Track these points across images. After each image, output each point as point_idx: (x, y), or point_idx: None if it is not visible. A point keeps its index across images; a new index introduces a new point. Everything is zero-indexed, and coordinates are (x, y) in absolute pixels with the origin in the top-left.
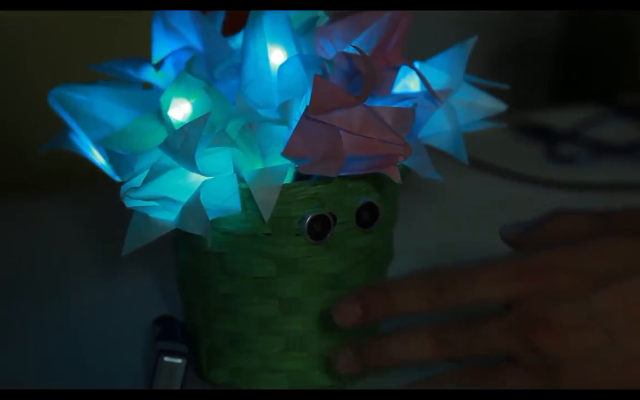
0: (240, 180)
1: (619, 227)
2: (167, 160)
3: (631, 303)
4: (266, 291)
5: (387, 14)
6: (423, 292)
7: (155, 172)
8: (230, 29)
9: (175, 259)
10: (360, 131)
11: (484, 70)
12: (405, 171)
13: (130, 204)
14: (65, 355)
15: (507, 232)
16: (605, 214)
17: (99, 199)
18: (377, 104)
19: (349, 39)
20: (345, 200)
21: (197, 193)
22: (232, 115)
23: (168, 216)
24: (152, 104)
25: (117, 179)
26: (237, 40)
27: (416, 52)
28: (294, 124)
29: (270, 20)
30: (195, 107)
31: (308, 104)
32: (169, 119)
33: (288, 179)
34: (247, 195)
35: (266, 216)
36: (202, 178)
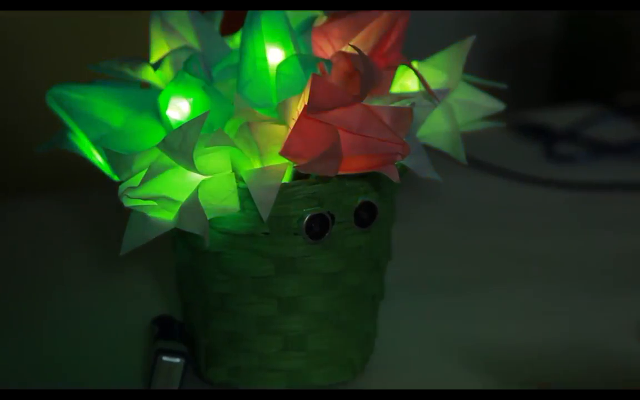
0: (239, 179)
1: None
2: (165, 159)
3: None
4: (264, 291)
5: (385, 14)
6: None
7: (153, 172)
8: (229, 28)
9: (173, 259)
10: (358, 130)
11: (482, 69)
12: (403, 170)
13: (128, 203)
14: (63, 355)
15: None
16: None
17: (97, 199)
18: (376, 103)
19: (347, 39)
20: (344, 200)
21: (196, 192)
22: (230, 114)
23: (166, 216)
24: (150, 103)
25: (115, 178)
26: (235, 40)
27: (415, 51)
28: (292, 124)
29: (268, 19)
30: (193, 107)
31: (306, 103)
32: (167, 118)
33: (286, 178)
34: (245, 195)
35: (264, 215)
36: (201, 177)
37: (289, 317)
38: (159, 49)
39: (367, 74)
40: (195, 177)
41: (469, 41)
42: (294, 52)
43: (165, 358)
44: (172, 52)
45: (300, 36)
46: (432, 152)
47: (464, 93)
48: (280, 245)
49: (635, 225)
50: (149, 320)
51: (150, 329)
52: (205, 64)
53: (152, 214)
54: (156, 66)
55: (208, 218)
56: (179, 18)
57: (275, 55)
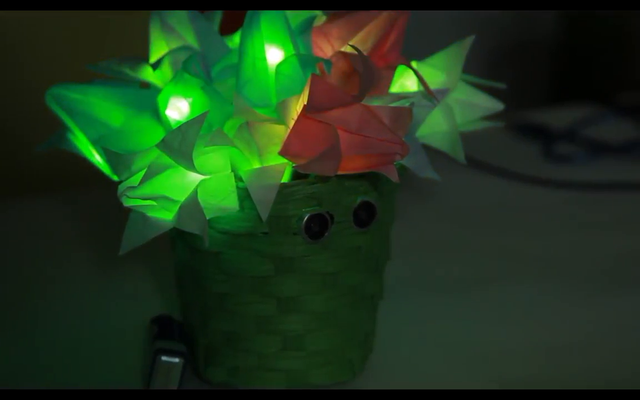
0: (238, 179)
1: None
2: (165, 159)
3: None
4: (264, 290)
5: (385, 14)
6: None
7: (152, 171)
8: (228, 28)
9: (172, 258)
10: (357, 130)
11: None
12: (402, 170)
13: (127, 203)
14: (61, 355)
15: None
16: None
17: (96, 198)
18: (375, 103)
19: (346, 39)
20: (343, 200)
21: (195, 192)
22: (229, 114)
23: (165, 215)
24: (149, 103)
25: (115, 178)
26: (235, 40)
27: (414, 51)
28: (292, 123)
29: (268, 19)
30: (192, 106)
31: (305, 103)
32: (167, 118)
33: (285, 178)
34: (244, 195)
35: (264, 215)
36: (200, 177)
37: (288, 317)
38: (159, 49)
39: (366, 74)
40: (195, 177)
41: (468, 41)
42: (293, 52)
43: (164, 358)
44: (171, 52)
45: (299, 36)
46: (431, 152)
47: (463, 93)
48: (279, 245)
49: (634, 225)
50: (148, 320)
51: (149, 328)
52: (205, 64)
53: (151, 214)
54: (155, 66)
55: (207, 218)
56: (179, 18)
57: (274, 55)
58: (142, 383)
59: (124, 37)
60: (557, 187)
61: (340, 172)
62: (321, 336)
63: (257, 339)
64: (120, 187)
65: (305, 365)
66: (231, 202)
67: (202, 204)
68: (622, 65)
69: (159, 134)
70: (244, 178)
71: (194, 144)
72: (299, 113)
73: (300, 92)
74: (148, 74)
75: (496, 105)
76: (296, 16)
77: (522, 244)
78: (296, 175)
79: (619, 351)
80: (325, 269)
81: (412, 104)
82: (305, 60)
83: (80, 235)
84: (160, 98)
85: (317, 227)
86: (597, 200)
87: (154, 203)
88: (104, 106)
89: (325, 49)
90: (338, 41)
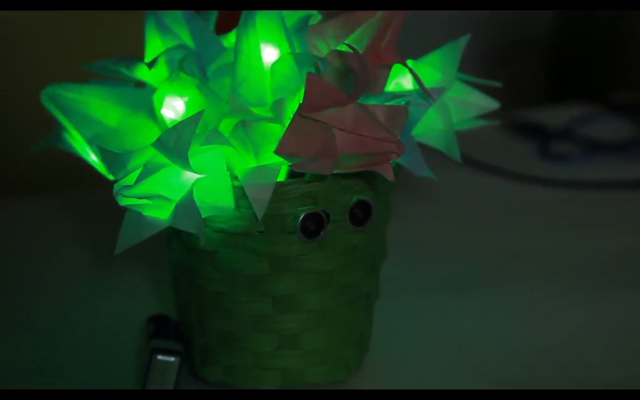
0: (234, 178)
1: None
2: (160, 158)
3: None
4: (259, 289)
5: (380, 13)
6: None
7: (148, 170)
8: (223, 27)
9: (168, 257)
10: (353, 129)
11: (477, 68)
12: (398, 169)
13: (123, 202)
14: (57, 354)
15: None
16: None
17: (91, 198)
18: (370, 102)
19: (342, 37)
20: (339, 198)
21: (190, 191)
22: (225, 113)
23: (161, 214)
24: (145, 102)
25: (110, 177)
26: (230, 39)
27: (409, 50)
28: (287, 122)
29: (263, 18)
30: (188, 105)
31: (301, 102)
32: (162, 117)
33: (281, 176)
34: (240, 193)
35: (259, 214)
36: (195, 176)
37: (284, 316)
38: (154, 48)
39: (362, 73)
40: (190, 176)
41: (464, 40)
42: (289, 51)
43: (160, 357)
44: (167, 51)
45: (295, 35)
46: (427, 151)
47: (458, 91)
48: (275, 244)
49: (630, 224)
50: (144, 319)
51: (145, 327)
52: (200, 63)
53: (147, 213)
54: (151, 65)
55: (203, 216)
56: (174, 17)
57: (270, 54)
58: (138, 382)
59: (120, 36)
60: (553, 186)
61: (336, 171)
62: (317, 335)
63: (253, 338)
64: (116, 186)
65: (301, 364)
66: (227, 201)
67: (197, 202)
68: (617, 64)
69: (154, 133)
70: (239, 177)
71: (190, 143)
72: (294, 112)
73: (296, 90)
74: (143, 73)
75: (492, 104)
76: (292, 15)
77: (518, 242)
78: (292, 174)
79: (617, 350)
80: (321, 267)
81: (408, 102)
82: (300, 59)
83: (76, 235)
84: (155, 97)
85: (313, 225)
86: (593, 199)
87: (149, 202)
88: (99, 105)
89: (321, 47)
90: (333, 40)
